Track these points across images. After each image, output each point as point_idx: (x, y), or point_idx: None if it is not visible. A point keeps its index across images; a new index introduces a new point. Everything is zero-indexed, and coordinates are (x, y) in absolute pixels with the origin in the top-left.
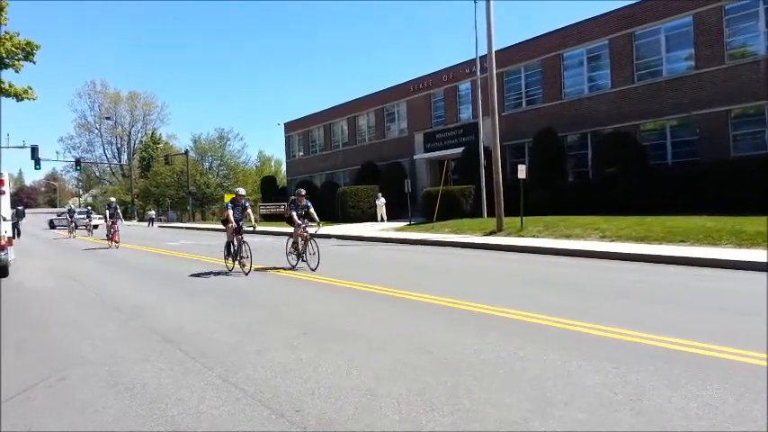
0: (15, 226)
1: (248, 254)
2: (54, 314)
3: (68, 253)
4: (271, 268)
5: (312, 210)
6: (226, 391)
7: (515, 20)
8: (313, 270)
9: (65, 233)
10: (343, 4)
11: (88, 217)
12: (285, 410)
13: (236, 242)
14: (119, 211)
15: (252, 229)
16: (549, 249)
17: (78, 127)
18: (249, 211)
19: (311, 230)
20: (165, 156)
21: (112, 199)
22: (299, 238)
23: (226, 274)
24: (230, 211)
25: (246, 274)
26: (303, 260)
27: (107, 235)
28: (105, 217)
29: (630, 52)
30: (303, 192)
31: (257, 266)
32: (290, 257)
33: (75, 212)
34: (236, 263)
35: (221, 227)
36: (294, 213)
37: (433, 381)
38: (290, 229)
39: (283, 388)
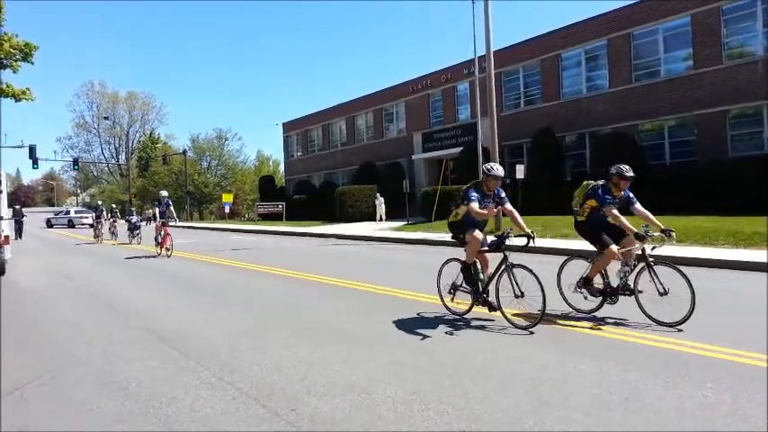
0: (19, 225)
1: (525, 290)
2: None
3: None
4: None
5: (510, 204)
6: None
7: (514, 20)
8: (675, 326)
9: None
10: (343, 6)
11: (113, 215)
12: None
13: (478, 264)
14: (172, 208)
15: (528, 240)
16: (546, 249)
17: (76, 127)
18: (510, 206)
19: (649, 247)
20: (163, 155)
21: (165, 193)
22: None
23: (465, 323)
24: (475, 204)
25: (530, 331)
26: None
27: (155, 239)
28: (155, 216)
29: (628, 52)
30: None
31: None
32: (579, 293)
33: (103, 211)
34: (480, 304)
35: (219, 226)
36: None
37: (428, 380)
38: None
39: None
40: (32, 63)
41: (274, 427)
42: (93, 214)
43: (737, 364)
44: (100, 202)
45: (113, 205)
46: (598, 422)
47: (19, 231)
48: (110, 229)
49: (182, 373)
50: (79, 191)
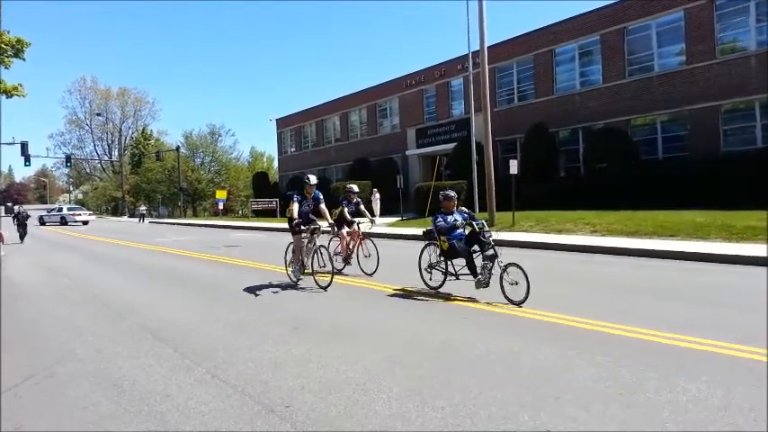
0: (21, 226)
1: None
2: None
3: None
4: None
5: (323, 205)
6: None
7: (508, 15)
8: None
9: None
10: (337, 3)
11: (349, 207)
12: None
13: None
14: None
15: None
16: (540, 244)
17: (68, 123)
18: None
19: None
20: (156, 152)
21: None
22: None
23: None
24: (296, 205)
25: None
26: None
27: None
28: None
29: (622, 48)
30: None
31: None
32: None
33: (320, 200)
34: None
35: (215, 222)
36: None
37: (425, 376)
38: None
39: None
40: (24, 59)
41: (269, 424)
42: (295, 205)
43: (731, 358)
44: (314, 180)
45: (353, 186)
46: (594, 416)
47: (22, 232)
48: (350, 247)
49: (176, 370)
50: (72, 188)
